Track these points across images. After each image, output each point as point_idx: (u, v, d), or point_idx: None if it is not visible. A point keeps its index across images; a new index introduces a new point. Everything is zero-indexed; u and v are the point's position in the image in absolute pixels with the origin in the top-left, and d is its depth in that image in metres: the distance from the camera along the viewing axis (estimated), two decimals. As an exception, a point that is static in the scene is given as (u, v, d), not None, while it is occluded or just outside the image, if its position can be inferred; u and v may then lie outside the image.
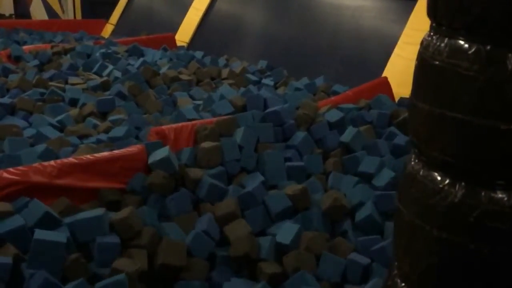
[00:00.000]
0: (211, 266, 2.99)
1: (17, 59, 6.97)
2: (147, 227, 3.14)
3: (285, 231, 3.01)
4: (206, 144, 3.93)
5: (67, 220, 3.21)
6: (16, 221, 3.11)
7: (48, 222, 3.14)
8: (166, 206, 3.46)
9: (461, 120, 1.15)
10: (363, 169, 3.75)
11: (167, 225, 3.27)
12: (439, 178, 1.24)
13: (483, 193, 1.17)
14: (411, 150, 1.36)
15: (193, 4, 8.78)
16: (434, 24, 1.27)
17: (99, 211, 3.26)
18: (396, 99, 5.15)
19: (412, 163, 1.33)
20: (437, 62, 1.20)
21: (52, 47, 7.38)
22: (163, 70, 6.58)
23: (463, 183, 1.19)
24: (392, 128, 4.35)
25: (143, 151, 3.93)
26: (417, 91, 1.26)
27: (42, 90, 5.58)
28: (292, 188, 3.40)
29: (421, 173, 1.28)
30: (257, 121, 4.38)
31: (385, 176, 3.62)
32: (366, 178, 3.70)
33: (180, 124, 4.45)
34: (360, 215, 3.27)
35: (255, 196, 3.37)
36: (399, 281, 1.38)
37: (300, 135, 4.23)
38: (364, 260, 2.85)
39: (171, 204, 3.47)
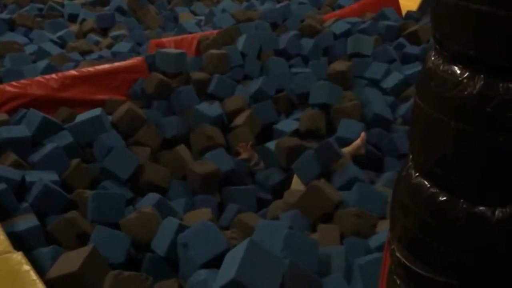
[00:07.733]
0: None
1: (10, -27, 6.72)
2: (147, 123, 3.44)
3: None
4: (214, 51, 3.97)
5: (68, 125, 3.35)
6: (17, 130, 3.20)
7: (47, 128, 3.26)
8: (171, 102, 3.70)
9: (485, 12, 1.18)
10: (369, 75, 3.82)
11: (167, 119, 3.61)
12: (458, 71, 1.28)
13: (501, 85, 1.22)
14: (432, 47, 1.40)
15: None
16: None
17: (96, 111, 3.40)
18: (404, 13, 5.06)
19: (433, 58, 1.37)
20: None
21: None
22: (162, -17, 6.38)
23: (482, 76, 1.24)
24: (401, 40, 4.33)
25: (144, 63, 3.99)
26: (442, -16, 1.27)
27: (39, 5, 5.47)
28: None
29: (441, 67, 1.33)
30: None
31: (394, 78, 3.73)
32: (374, 83, 3.79)
33: (180, 37, 4.46)
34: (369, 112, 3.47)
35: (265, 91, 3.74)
36: (413, 171, 1.47)
37: (309, 42, 4.25)
38: None
39: (176, 98, 3.65)
